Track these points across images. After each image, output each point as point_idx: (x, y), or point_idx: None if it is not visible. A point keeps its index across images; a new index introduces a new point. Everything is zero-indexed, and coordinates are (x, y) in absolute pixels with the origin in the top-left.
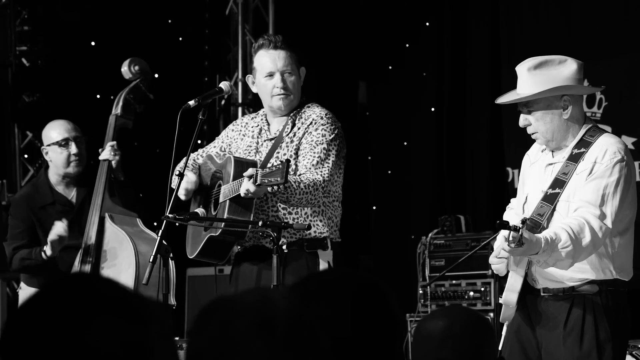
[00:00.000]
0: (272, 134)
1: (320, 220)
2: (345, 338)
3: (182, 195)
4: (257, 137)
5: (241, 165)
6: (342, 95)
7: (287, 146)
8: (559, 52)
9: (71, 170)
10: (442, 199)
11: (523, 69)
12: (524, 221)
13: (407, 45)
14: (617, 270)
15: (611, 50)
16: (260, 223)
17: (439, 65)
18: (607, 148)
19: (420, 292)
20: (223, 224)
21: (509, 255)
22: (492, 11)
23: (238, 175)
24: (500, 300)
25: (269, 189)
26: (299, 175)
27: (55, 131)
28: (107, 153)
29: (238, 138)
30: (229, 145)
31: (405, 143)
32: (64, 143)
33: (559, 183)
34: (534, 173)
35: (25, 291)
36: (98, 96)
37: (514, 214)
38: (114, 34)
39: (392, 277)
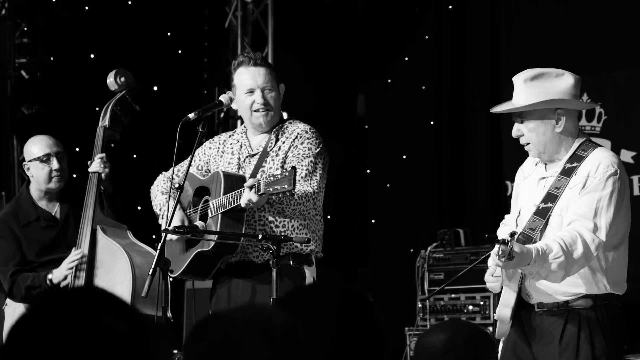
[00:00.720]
0: (255, 150)
1: (306, 234)
2: (332, 351)
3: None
4: (238, 153)
5: (231, 179)
6: (342, 108)
7: (273, 160)
8: (559, 66)
9: (53, 186)
10: (441, 213)
11: (519, 80)
12: (512, 234)
13: (407, 58)
14: (611, 285)
15: (611, 63)
16: (259, 236)
17: (438, 78)
18: (600, 162)
19: (419, 305)
20: (216, 237)
21: (503, 272)
22: (491, 24)
23: (229, 189)
24: (495, 316)
25: (274, 197)
26: None
27: (36, 147)
28: (96, 165)
29: (217, 155)
30: (207, 163)
31: (404, 156)
32: (45, 159)
33: (551, 197)
34: (527, 187)
35: (11, 307)
36: (97, 108)
37: (508, 230)
38: (113, 47)
39: (390, 290)
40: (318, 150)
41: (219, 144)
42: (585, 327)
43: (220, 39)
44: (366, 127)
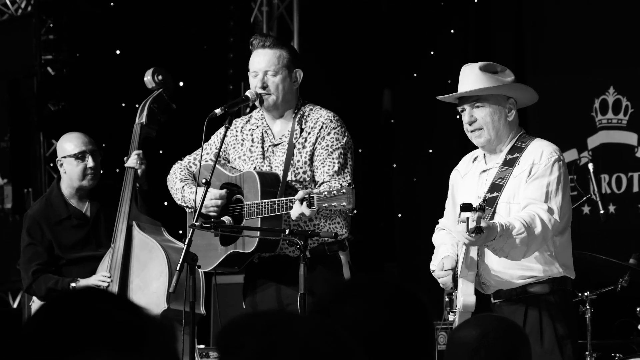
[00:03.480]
0: (277, 139)
1: (338, 222)
2: (381, 340)
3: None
4: (260, 142)
5: (264, 178)
6: (367, 103)
7: (300, 152)
8: (585, 61)
9: (86, 184)
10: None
11: (474, 68)
12: (485, 200)
13: (432, 52)
14: (562, 268)
15: (638, 57)
16: (287, 231)
17: None
18: (542, 149)
19: (447, 299)
20: (257, 240)
21: (461, 261)
22: (516, 17)
23: (265, 190)
24: (459, 308)
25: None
26: (325, 184)
27: (71, 143)
28: (133, 161)
29: (236, 144)
30: (224, 151)
31: (430, 150)
32: (80, 156)
33: (496, 187)
34: (467, 184)
35: (37, 304)
36: (123, 105)
37: (445, 234)
38: (138, 43)
39: (417, 285)
40: (345, 139)
41: (236, 131)
42: (545, 311)
43: (245, 34)
44: (392, 121)
